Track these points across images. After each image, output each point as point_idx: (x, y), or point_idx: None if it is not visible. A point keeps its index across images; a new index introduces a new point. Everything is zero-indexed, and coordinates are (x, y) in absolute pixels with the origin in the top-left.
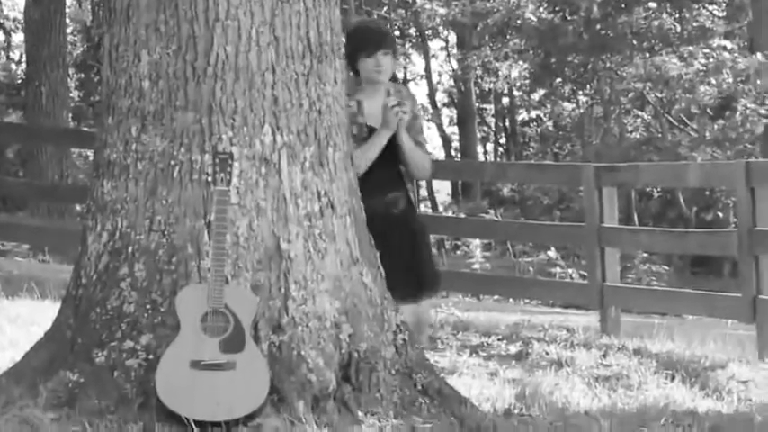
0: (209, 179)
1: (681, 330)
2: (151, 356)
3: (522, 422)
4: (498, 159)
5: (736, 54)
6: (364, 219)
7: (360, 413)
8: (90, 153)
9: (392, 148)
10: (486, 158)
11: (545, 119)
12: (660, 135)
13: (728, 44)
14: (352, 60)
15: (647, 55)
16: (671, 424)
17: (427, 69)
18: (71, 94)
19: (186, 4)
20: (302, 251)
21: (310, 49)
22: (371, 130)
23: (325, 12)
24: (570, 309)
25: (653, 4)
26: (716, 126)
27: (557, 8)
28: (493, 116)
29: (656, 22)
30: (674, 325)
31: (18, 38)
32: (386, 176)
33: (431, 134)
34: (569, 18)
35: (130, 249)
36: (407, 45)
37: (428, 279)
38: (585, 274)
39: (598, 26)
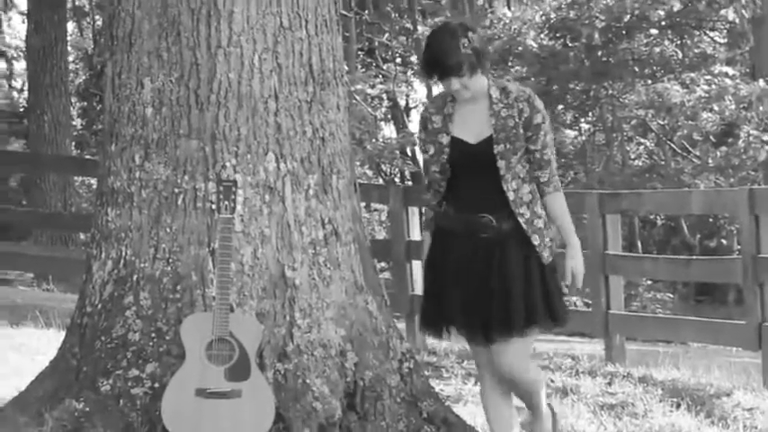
0: (213, 207)
1: (686, 358)
2: (156, 385)
3: None
4: None
5: (738, 80)
6: (368, 246)
7: None
8: (93, 181)
9: (487, 166)
10: None
11: None
12: (663, 162)
13: (730, 71)
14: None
15: (649, 82)
16: None
17: (429, 96)
18: (73, 123)
19: (188, 32)
20: (307, 279)
21: (313, 76)
22: (459, 142)
23: (327, 39)
24: (575, 336)
25: (654, 31)
26: (719, 153)
27: (558, 35)
28: None
29: (657, 49)
30: (678, 353)
31: (20, 66)
32: (476, 196)
33: None
34: (571, 45)
35: (135, 278)
36: (409, 72)
37: (518, 313)
38: (590, 301)
39: (600, 53)
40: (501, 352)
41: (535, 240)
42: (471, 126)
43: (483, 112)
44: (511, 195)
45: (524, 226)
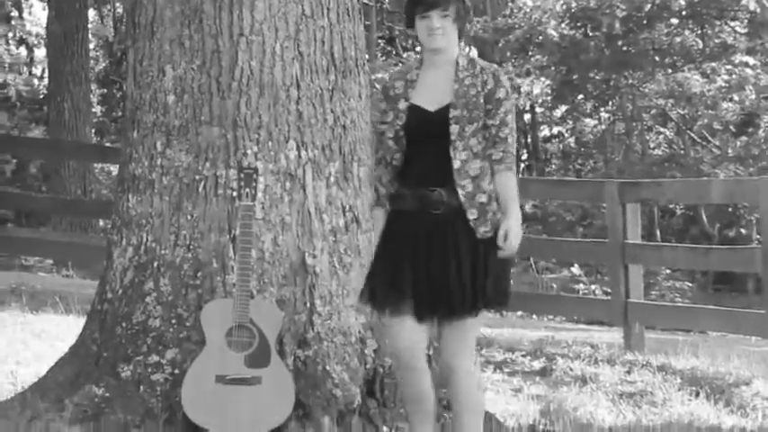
0: (234, 194)
1: (705, 347)
2: (176, 371)
3: None
4: (520, 175)
5: (758, 70)
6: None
7: (385, 428)
8: (113, 168)
9: (441, 135)
10: None
11: (567, 135)
12: (683, 151)
13: (751, 60)
14: (410, 25)
15: (670, 71)
16: None
17: None
18: (94, 110)
19: (210, 19)
20: (327, 266)
21: (334, 64)
22: (417, 109)
23: (349, 27)
24: (594, 325)
25: (675, 21)
26: (738, 142)
27: (578, 24)
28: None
29: (678, 39)
30: (697, 341)
31: (40, 53)
32: (428, 168)
33: None
34: (591, 34)
35: (156, 264)
36: None
37: (468, 296)
38: (609, 290)
39: (620, 42)
40: (448, 335)
41: (471, 215)
42: (433, 94)
43: (447, 80)
44: (456, 164)
45: (462, 198)
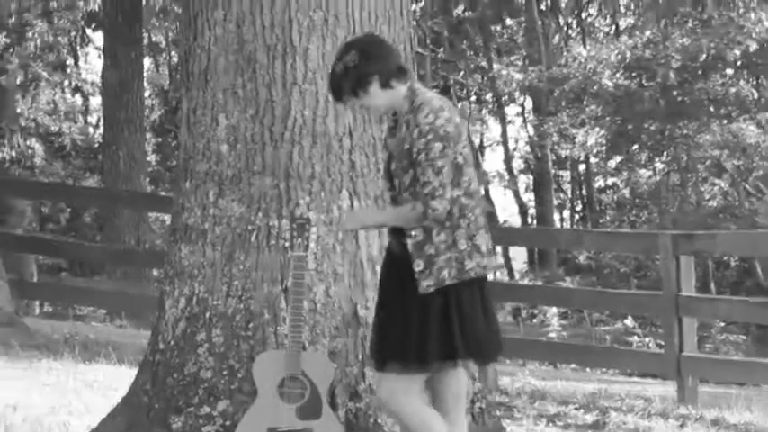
0: (287, 244)
1: (759, 401)
2: (228, 423)
3: None
4: (574, 226)
5: None
6: None
7: None
8: (166, 217)
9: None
10: (562, 225)
11: (622, 186)
12: (737, 203)
13: None
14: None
15: (725, 122)
16: None
17: (504, 135)
18: (148, 158)
19: (264, 69)
20: None
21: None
22: (390, 156)
23: None
24: (647, 378)
25: (730, 71)
26: None
27: (633, 74)
28: (569, 183)
29: (733, 89)
30: (752, 395)
31: (96, 101)
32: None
33: (507, 201)
34: (646, 84)
35: (207, 315)
36: (483, 111)
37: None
38: (662, 343)
39: (675, 93)
40: (382, 379)
41: (417, 266)
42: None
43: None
44: None
45: (410, 248)
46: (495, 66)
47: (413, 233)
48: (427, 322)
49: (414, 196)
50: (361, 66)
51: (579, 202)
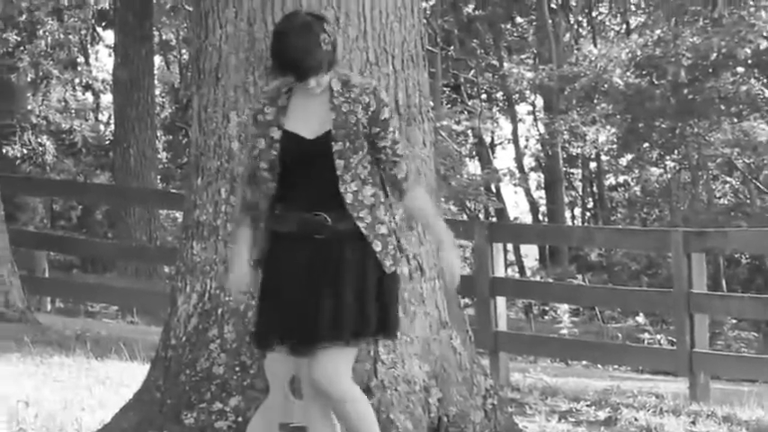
0: None
1: None
2: (240, 419)
3: None
4: (586, 224)
5: None
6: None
7: None
8: (178, 214)
9: (323, 165)
10: (573, 223)
11: (632, 184)
12: (749, 201)
13: None
14: None
15: (735, 120)
16: None
17: (514, 133)
18: (159, 156)
19: None
20: None
21: (399, 111)
22: (293, 137)
23: (413, 74)
24: (659, 375)
25: (741, 69)
26: None
27: (644, 72)
28: (580, 181)
29: (744, 87)
30: (763, 392)
31: (106, 99)
32: (311, 196)
33: (518, 198)
34: (657, 83)
35: (220, 311)
36: (494, 109)
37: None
38: (674, 340)
39: (686, 91)
40: (318, 359)
41: (377, 246)
42: (308, 120)
43: (322, 106)
44: (349, 198)
45: (365, 231)
46: (506, 64)
47: (362, 215)
48: (383, 296)
49: (355, 177)
50: (336, 39)
51: (590, 199)
